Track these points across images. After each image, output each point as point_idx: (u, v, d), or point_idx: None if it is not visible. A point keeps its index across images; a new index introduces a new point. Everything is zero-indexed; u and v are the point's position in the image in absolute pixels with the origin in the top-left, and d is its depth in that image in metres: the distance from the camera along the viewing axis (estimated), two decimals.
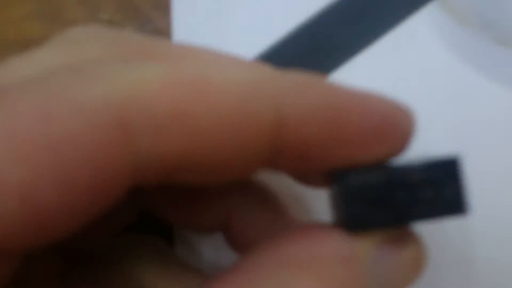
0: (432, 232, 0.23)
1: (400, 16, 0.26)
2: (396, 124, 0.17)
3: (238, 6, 0.28)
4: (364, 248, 0.17)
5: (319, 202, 0.25)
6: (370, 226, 0.17)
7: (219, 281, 0.16)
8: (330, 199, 0.18)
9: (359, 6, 0.27)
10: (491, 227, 0.25)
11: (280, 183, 0.22)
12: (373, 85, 0.26)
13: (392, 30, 0.26)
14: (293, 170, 0.18)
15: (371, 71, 0.26)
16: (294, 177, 0.20)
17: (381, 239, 0.17)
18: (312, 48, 0.27)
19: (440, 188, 0.17)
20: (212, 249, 0.25)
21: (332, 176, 0.17)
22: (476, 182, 0.24)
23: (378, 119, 0.17)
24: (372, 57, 0.26)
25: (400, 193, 0.17)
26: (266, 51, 0.27)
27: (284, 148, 0.16)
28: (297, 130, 0.16)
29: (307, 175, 0.19)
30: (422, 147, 0.25)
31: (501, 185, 0.25)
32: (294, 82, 0.17)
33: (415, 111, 0.25)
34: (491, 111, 0.26)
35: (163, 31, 0.28)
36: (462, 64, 0.26)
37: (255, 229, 0.21)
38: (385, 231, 0.17)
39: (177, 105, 0.15)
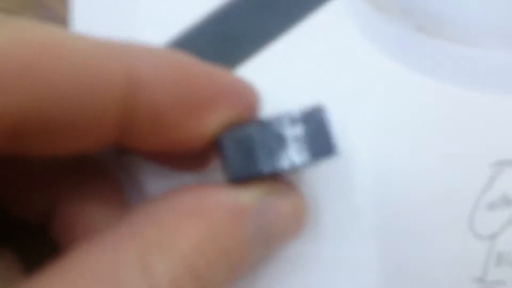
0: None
1: (316, 3, 0.25)
2: (244, 93, 0.19)
3: None
4: (248, 200, 0.18)
5: None
6: (252, 174, 0.18)
7: (106, 233, 0.16)
8: (220, 161, 0.19)
9: None
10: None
11: None
12: (289, 74, 0.25)
13: (308, 17, 0.25)
14: (146, 145, 0.18)
15: (287, 60, 0.25)
16: (148, 157, 0.21)
17: (264, 191, 0.19)
18: (226, 36, 0.25)
19: (310, 135, 0.19)
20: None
21: (219, 136, 0.19)
22: (398, 176, 0.23)
23: (224, 85, 0.18)
24: (288, 45, 0.25)
25: (274, 142, 0.19)
26: (174, 40, 0.25)
27: (136, 116, 0.16)
28: (149, 94, 0.16)
29: (162, 155, 0.20)
30: (339, 134, 0.23)
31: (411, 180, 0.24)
32: (145, 48, 0.17)
33: (334, 100, 0.24)
34: (411, 100, 0.25)
35: (63, 19, 0.26)
36: (380, 52, 0.25)
37: (83, 220, 0.19)
38: (267, 183, 0.19)
39: (23, 61, 0.14)
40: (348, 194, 0.24)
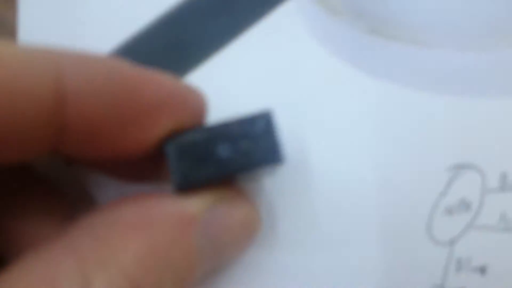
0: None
1: (267, 7, 0.24)
2: (188, 98, 0.18)
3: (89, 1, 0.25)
4: (194, 209, 0.17)
5: None
6: (197, 181, 0.18)
7: (43, 246, 0.16)
8: (168, 167, 0.18)
9: None
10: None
11: None
12: (242, 78, 0.24)
13: (259, 21, 0.24)
14: (85, 154, 0.17)
15: (239, 64, 0.24)
16: (94, 166, 0.21)
17: (212, 200, 0.18)
18: (176, 42, 0.24)
19: (256, 140, 0.18)
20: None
21: (164, 144, 0.18)
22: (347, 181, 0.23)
23: (167, 92, 0.17)
24: (240, 49, 0.24)
25: (221, 148, 0.18)
26: (120, 47, 0.24)
27: (68, 126, 0.16)
28: (80, 103, 0.16)
29: (108, 164, 0.19)
30: (293, 139, 0.23)
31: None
32: (77, 56, 0.16)
33: (287, 103, 0.23)
34: (364, 103, 0.24)
35: (9, 25, 0.25)
36: (332, 55, 0.24)
37: (26, 233, 0.18)
38: (215, 191, 0.18)
39: None
40: (303, 200, 0.24)
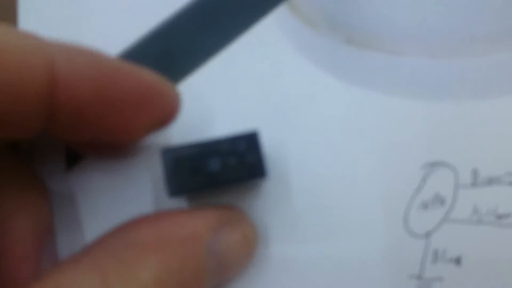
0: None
1: (250, 20, 0.26)
2: (160, 93, 0.20)
3: (85, 13, 0.27)
4: (203, 230, 0.20)
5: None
6: (189, 190, 0.20)
7: (67, 263, 0.18)
8: (163, 174, 0.21)
9: (210, 12, 0.27)
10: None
11: None
12: (226, 89, 0.26)
13: (243, 34, 0.26)
14: (70, 134, 0.19)
15: (223, 76, 0.26)
16: (72, 145, 0.23)
17: (216, 221, 0.20)
18: (164, 54, 0.26)
19: (242, 156, 0.21)
20: None
21: (160, 154, 0.21)
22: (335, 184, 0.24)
23: (145, 86, 0.20)
24: (224, 61, 0.26)
25: (212, 162, 0.21)
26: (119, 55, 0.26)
27: (58, 107, 0.18)
28: (69, 87, 0.17)
29: (85, 143, 0.22)
30: (274, 147, 0.24)
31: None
32: (67, 45, 0.18)
33: (267, 114, 0.25)
34: (343, 109, 0.26)
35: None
36: (312, 66, 0.26)
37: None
38: (220, 212, 0.21)
39: None
40: (288, 204, 0.25)
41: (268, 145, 0.25)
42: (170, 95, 0.21)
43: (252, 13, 0.26)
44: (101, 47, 0.26)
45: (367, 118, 0.26)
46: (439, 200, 0.25)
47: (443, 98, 0.26)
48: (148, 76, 0.20)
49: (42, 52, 0.17)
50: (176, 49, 0.26)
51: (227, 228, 0.21)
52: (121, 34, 0.26)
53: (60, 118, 0.18)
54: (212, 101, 0.26)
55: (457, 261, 0.25)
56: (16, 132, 0.18)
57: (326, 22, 0.27)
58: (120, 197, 0.25)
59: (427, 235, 0.25)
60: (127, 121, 0.19)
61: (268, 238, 0.25)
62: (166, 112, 0.21)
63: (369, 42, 0.26)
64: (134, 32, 0.26)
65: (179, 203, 0.25)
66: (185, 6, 0.27)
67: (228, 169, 0.21)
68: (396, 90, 0.26)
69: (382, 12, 0.27)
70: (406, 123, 0.26)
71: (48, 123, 0.18)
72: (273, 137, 0.25)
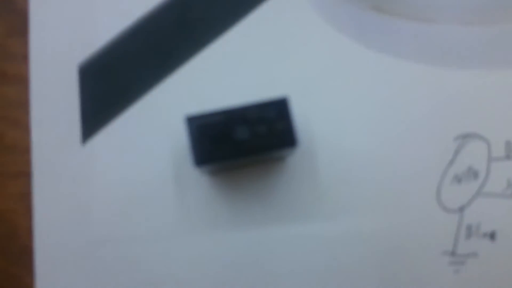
0: None
1: None
2: None
3: None
4: None
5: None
6: (214, 160, 0.19)
7: None
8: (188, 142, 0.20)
9: None
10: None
11: None
12: (251, 56, 0.25)
13: (265, 2, 0.25)
14: None
15: (248, 42, 0.25)
16: None
17: None
18: (183, 22, 0.25)
19: (272, 124, 0.19)
20: None
21: (185, 121, 0.20)
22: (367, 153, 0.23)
23: None
24: (249, 28, 0.25)
25: (239, 130, 0.19)
26: (134, 24, 0.25)
27: None
28: None
29: None
30: (301, 118, 0.23)
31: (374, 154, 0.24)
32: None
33: (294, 81, 0.24)
34: (372, 78, 0.25)
35: (24, 11, 0.25)
36: (339, 34, 0.25)
37: None
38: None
39: None
40: (316, 176, 0.24)
41: (295, 115, 0.23)
42: None
43: None
44: (115, 15, 0.25)
45: (398, 88, 0.25)
46: (472, 173, 0.24)
47: (475, 66, 0.25)
48: None
49: None
50: (195, 16, 0.25)
51: None
52: (136, 2, 0.25)
53: None
54: (234, 70, 0.25)
55: (492, 236, 0.24)
56: None
57: None
58: (138, 169, 0.24)
59: (461, 209, 0.24)
60: None
61: (296, 214, 0.24)
62: None
63: (398, 9, 0.25)
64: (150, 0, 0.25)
65: (200, 175, 0.24)
66: None
67: (257, 138, 0.19)
68: (427, 58, 0.25)
69: None
70: (437, 93, 0.25)
71: None
72: (300, 107, 0.24)
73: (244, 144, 0.19)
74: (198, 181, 0.24)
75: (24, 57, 0.25)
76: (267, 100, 0.20)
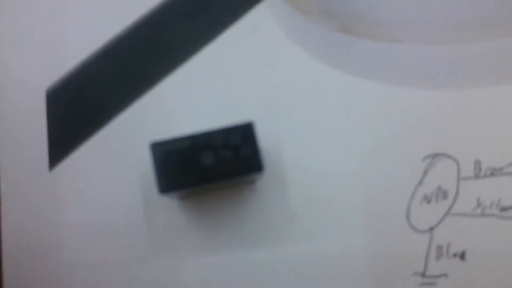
0: None
1: (241, 9, 0.25)
2: None
3: (70, 4, 0.25)
4: None
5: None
6: (179, 187, 0.19)
7: None
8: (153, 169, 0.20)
9: (200, 1, 0.25)
10: None
11: None
12: (219, 78, 0.25)
13: (234, 23, 0.25)
14: None
15: (216, 65, 0.25)
16: None
17: None
18: (152, 44, 0.25)
19: (238, 149, 0.19)
20: None
21: (149, 148, 0.19)
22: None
23: None
24: (216, 50, 0.25)
25: (204, 155, 0.19)
26: (104, 46, 0.25)
27: None
28: None
29: None
30: (268, 140, 0.23)
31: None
32: None
33: (260, 105, 0.24)
34: (340, 99, 0.25)
35: None
36: (307, 55, 0.25)
37: None
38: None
39: None
40: (286, 197, 0.24)
41: (262, 138, 0.23)
42: None
43: (244, 1, 0.25)
44: (85, 38, 0.25)
45: (365, 109, 0.25)
46: (441, 193, 0.24)
47: (442, 86, 0.25)
48: None
49: None
50: (164, 39, 0.25)
51: None
52: (107, 23, 0.25)
53: None
54: (202, 93, 0.25)
55: (462, 256, 0.24)
56: None
57: (320, 10, 0.25)
58: (107, 195, 0.24)
59: (431, 229, 0.24)
60: None
61: (266, 237, 0.24)
62: None
63: (365, 30, 0.25)
64: (121, 21, 0.25)
65: (169, 201, 0.23)
66: None
67: (223, 163, 0.19)
68: (394, 78, 0.25)
69: None
70: (405, 113, 0.25)
71: None
72: (267, 129, 0.24)
73: (210, 170, 0.19)
74: (167, 206, 0.24)
75: None
76: (232, 125, 0.20)
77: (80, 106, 0.24)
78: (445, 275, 0.24)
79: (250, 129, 0.19)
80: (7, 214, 0.24)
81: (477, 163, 0.24)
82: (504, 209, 0.24)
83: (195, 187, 0.19)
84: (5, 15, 0.25)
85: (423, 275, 0.23)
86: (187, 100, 0.24)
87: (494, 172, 0.24)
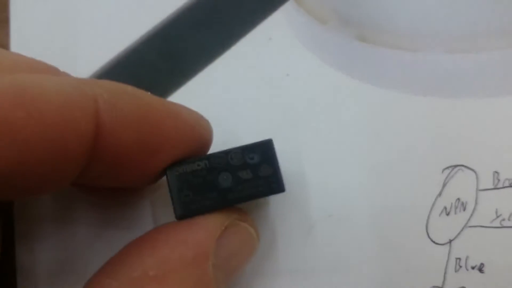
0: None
1: (256, 18, 0.25)
2: (200, 132, 0.19)
3: (82, 15, 0.25)
4: (205, 241, 0.18)
5: None
6: (199, 211, 0.18)
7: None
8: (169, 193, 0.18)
9: (213, 10, 0.25)
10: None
11: None
12: (231, 92, 0.24)
13: (249, 32, 0.25)
14: (102, 182, 0.18)
15: (228, 78, 0.24)
16: (105, 189, 0.21)
17: (219, 227, 0.18)
18: (164, 55, 0.24)
19: (256, 170, 0.18)
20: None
21: (165, 172, 0.18)
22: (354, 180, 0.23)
23: (187, 127, 0.18)
24: (231, 59, 0.25)
25: (222, 177, 0.18)
26: (117, 58, 0.24)
27: (98, 157, 0.16)
28: (113, 137, 0.16)
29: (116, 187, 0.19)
30: (288, 147, 0.23)
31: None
32: (110, 89, 0.16)
33: (278, 111, 0.23)
34: (358, 109, 0.24)
35: (4, 46, 0.25)
36: (323, 64, 0.24)
37: None
38: (219, 218, 0.18)
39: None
40: (302, 210, 0.24)
41: (279, 153, 0.23)
42: (206, 131, 0.20)
43: (258, 9, 0.25)
44: (97, 49, 0.25)
45: (383, 118, 0.24)
46: (460, 204, 0.24)
47: (461, 95, 0.25)
48: (188, 114, 0.19)
49: (86, 102, 0.16)
50: (177, 49, 0.24)
51: (230, 232, 0.19)
52: (118, 34, 0.25)
53: (95, 167, 0.17)
54: (216, 104, 0.24)
55: (480, 268, 0.23)
56: (47, 187, 0.16)
57: (337, 18, 0.25)
58: (117, 224, 0.23)
59: (450, 242, 0.24)
60: (162, 163, 0.18)
61: (285, 253, 0.23)
62: (202, 149, 0.19)
63: (383, 38, 0.25)
64: (133, 32, 0.25)
65: None
66: (186, 4, 0.25)
67: (241, 185, 0.18)
68: (413, 87, 0.25)
69: (395, 7, 0.25)
70: (424, 123, 0.24)
71: (81, 173, 0.17)
72: (284, 143, 0.23)
73: (228, 193, 0.18)
74: None
75: None
76: (250, 144, 0.19)
77: None
78: None
79: (269, 147, 0.18)
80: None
81: (496, 174, 0.24)
82: None
83: (213, 210, 0.18)
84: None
85: None
86: (200, 112, 0.23)
87: None
